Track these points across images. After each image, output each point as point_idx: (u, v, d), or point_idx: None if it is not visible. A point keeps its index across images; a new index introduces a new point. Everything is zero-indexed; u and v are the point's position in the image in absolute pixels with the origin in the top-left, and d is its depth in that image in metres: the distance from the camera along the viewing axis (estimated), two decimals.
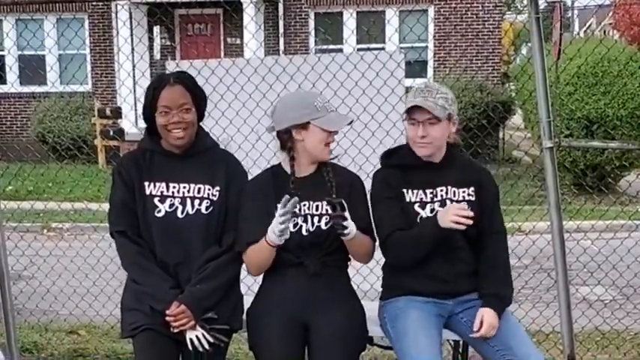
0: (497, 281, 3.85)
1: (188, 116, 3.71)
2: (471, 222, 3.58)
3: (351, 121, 3.83)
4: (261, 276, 3.89)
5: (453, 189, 3.87)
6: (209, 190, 3.77)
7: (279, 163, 3.88)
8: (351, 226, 3.54)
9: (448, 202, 3.83)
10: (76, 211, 10.93)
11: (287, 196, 3.49)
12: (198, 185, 3.77)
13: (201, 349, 3.67)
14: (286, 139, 3.76)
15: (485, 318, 3.74)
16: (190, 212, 3.74)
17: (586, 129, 13.18)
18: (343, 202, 3.51)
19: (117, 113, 17.87)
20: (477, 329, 3.74)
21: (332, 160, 3.86)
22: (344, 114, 3.85)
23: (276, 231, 3.51)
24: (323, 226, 3.70)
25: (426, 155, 3.83)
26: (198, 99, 3.78)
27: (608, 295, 7.41)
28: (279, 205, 3.49)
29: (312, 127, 3.68)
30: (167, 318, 3.63)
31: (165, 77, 3.75)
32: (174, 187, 3.76)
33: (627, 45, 16.21)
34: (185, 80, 3.74)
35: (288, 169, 3.79)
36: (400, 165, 3.90)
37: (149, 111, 3.72)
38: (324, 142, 3.71)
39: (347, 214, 3.51)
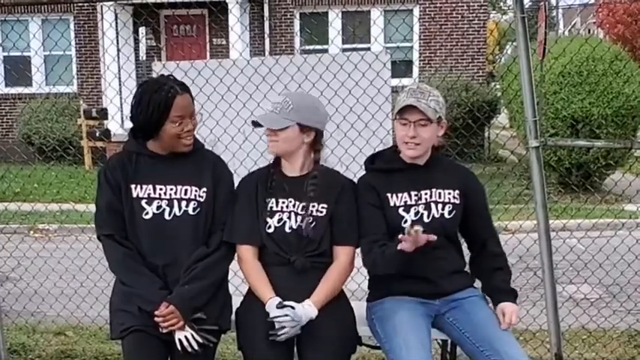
0: (506, 278, 3.97)
1: (195, 122, 3.80)
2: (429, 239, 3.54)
3: (256, 123, 3.91)
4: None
5: (438, 191, 3.89)
6: (196, 191, 3.79)
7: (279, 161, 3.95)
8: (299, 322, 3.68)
9: (433, 204, 3.86)
10: (63, 213, 10.90)
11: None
12: (185, 187, 3.78)
13: (190, 349, 3.68)
14: None
15: (508, 310, 3.81)
16: (178, 214, 3.75)
17: (571, 128, 13.23)
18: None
19: (103, 114, 17.84)
20: (506, 323, 3.78)
21: (325, 167, 3.94)
22: (271, 114, 3.84)
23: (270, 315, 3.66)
24: (304, 227, 3.76)
25: (414, 157, 3.85)
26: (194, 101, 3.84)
27: (594, 293, 7.45)
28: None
29: None
30: (156, 319, 3.63)
31: (169, 86, 3.70)
32: (161, 189, 3.77)
33: (612, 44, 16.25)
34: (187, 87, 3.78)
35: (283, 168, 3.90)
36: (384, 169, 3.92)
37: (159, 118, 3.69)
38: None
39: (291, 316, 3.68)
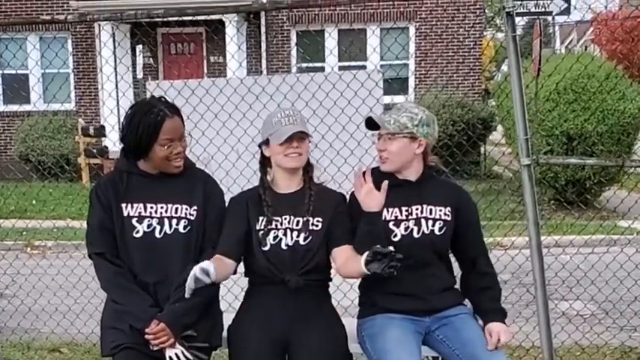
0: (494, 297, 3.99)
1: (185, 143, 3.81)
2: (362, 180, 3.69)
3: (304, 132, 3.83)
4: (243, 292, 3.95)
5: (430, 207, 3.92)
6: (187, 209, 3.81)
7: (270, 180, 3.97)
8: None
9: (423, 220, 3.89)
10: (58, 229, 10.91)
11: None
12: (176, 205, 3.81)
13: None
14: (261, 156, 3.95)
15: (494, 330, 3.85)
16: (168, 232, 3.78)
17: (566, 145, 13.26)
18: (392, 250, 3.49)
19: (100, 132, 17.87)
20: (492, 344, 3.81)
21: (319, 184, 3.97)
22: (300, 125, 3.82)
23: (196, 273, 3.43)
24: (301, 242, 3.77)
25: (386, 171, 3.90)
26: (184, 123, 3.87)
27: (587, 310, 7.46)
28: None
29: (270, 141, 3.83)
30: (147, 336, 3.65)
31: (159, 109, 3.71)
32: (151, 208, 3.79)
33: (607, 60, 16.28)
34: (178, 111, 3.79)
35: (272, 186, 3.91)
36: (377, 185, 3.95)
37: (149, 141, 3.72)
38: (282, 153, 3.80)
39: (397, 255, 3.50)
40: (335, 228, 3.83)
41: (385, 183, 3.70)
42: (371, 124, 3.93)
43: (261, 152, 3.94)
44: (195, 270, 3.36)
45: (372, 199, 3.71)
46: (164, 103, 3.77)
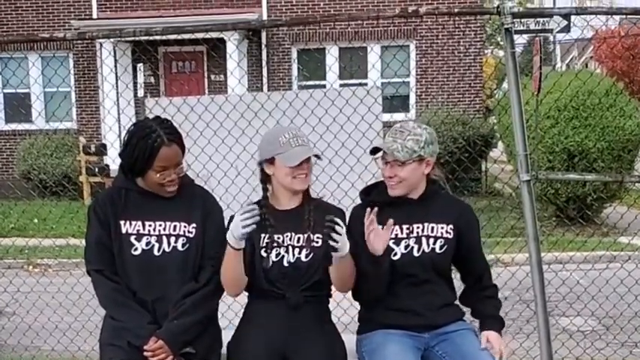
0: (496, 306, 4.03)
1: (180, 171, 3.78)
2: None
3: (317, 156, 3.83)
4: (242, 309, 3.93)
5: (431, 225, 3.90)
6: (185, 227, 3.80)
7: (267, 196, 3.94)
8: (343, 242, 3.56)
9: (424, 239, 3.88)
10: (59, 247, 10.92)
11: (252, 204, 3.59)
12: (174, 223, 3.80)
13: None
14: (262, 173, 3.89)
15: (492, 339, 3.89)
16: (167, 250, 3.77)
17: (567, 161, 13.27)
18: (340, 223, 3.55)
19: (101, 150, 17.90)
20: (497, 353, 3.83)
21: (318, 199, 3.95)
22: (310, 147, 3.83)
23: (235, 232, 3.55)
24: (303, 258, 3.75)
25: (397, 195, 3.89)
26: (184, 149, 3.83)
27: (587, 325, 7.45)
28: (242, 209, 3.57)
29: (277, 161, 3.78)
30: (145, 353, 3.65)
31: (157, 135, 3.68)
32: (150, 226, 3.79)
33: (608, 77, 16.30)
34: (177, 136, 3.75)
35: (273, 202, 3.88)
36: (378, 201, 3.93)
37: (143, 166, 3.71)
38: (291, 175, 3.77)
39: (343, 231, 3.56)
40: None
41: (390, 222, 3.68)
42: (376, 149, 3.91)
43: (262, 169, 3.89)
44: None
45: (379, 240, 3.68)
46: (165, 128, 3.73)
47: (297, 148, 3.76)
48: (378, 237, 3.68)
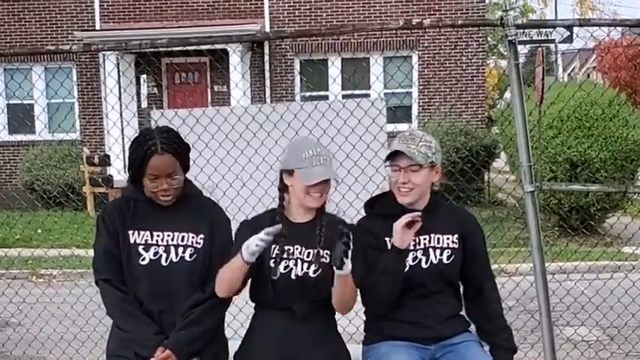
0: (501, 332, 3.99)
1: (175, 181, 3.77)
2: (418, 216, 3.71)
3: (335, 180, 3.81)
4: (248, 320, 3.93)
5: (437, 236, 3.90)
6: (193, 238, 3.82)
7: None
8: (347, 262, 3.53)
9: (431, 250, 3.88)
10: (64, 258, 10.94)
11: (278, 226, 3.58)
12: (182, 233, 3.82)
13: None
14: (281, 181, 3.87)
15: None
16: (174, 260, 3.79)
17: (570, 171, 13.27)
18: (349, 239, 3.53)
19: (104, 160, 17.94)
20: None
21: (331, 214, 3.93)
22: (331, 169, 3.79)
23: (250, 247, 3.55)
24: (311, 274, 3.75)
25: (409, 203, 3.86)
26: (185, 159, 3.83)
27: (592, 335, 7.46)
28: (266, 231, 3.55)
29: (296, 175, 3.76)
30: None
31: (152, 143, 3.70)
32: (158, 236, 3.81)
33: (610, 88, 16.33)
34: (172, 147, 3.74)
35: (287, 213, 3.87)
36: (383, 214, 3.94)
37: (137, 172, 3.75)
38: (305, 192, 3.75)
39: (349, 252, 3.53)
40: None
41: (419, 223, 3.73)
42: (395, 153, 3.87)
43: (281, 178, 3.87)
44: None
45: (407, 236, 3.72)
46: (163, 138, 3.74)
47: (317, 168, 3.74)
48: (408, 232, 3.72)
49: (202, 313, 3.77)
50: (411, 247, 3.85)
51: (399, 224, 3.72)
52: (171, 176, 3.74)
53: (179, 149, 3.78)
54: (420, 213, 3.75)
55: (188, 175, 3.96)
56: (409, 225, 3.73)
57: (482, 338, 4.03)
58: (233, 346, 3.99)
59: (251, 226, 3.85)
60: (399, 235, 3.72)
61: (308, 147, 3.81)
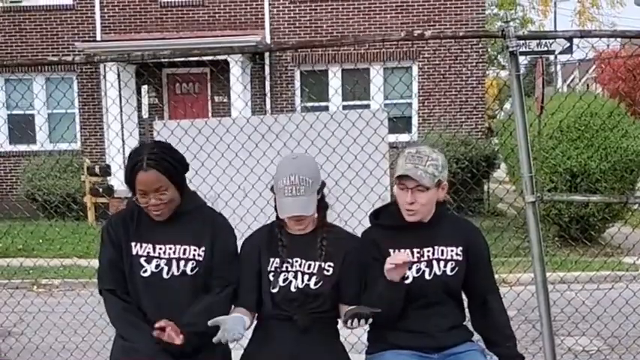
0: (507, 341, 3.99)
1: (165, 197, 3.76)
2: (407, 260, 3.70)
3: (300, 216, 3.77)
4: (251, 330, 3.94)
5: (441, 248, 3.91)
6: (195, 250, 3.83)
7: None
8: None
9: (434, 262, 3.88)
10: (65, 268, 10.95)
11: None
12: (184, 246, 3.83)
13: None
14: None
15: None
16: (176, 273, 3.80)
17: (570, 182, 13.29)
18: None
19: (106, 171, 17.96)
20: None
21: (333, 225, 3.96)
22: (302, 203, 3.72)
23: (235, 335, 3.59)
24: (312, 286, 3.77)
25: (415, 221, 3.87)
26: (175, 176, 3.79)
27: (593, 345, 7.46)
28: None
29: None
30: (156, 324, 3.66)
31: (139, 159, 3.71)
32: (160, 249, 3.83)
33: (610, 98, 16.37)
34: (159, 163, 3.72)
35: (285, 226, 3.88)
36: (388, 225, 3.95)
37: (130, 188, 3.78)
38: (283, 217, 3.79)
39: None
40: (343, 282, 3.82)
41: (407, 254, 3.76)
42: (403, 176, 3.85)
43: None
44: (238, 330, 3.54)
45: (399, 272, 3.71)
46: (151, 154, 3.73)
47: (288, 200, 3.72)
48: (399, 271, 3.70)
49: (210, 301, 3.78)
50: (415, 260, 3.86)
51: (388, 265, 3.69)
52: (159, 191, 3.73)
53: (167, 165, 3.75)
54: (409, 259, 3.74)
55: (191, 187, 3.99)
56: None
57: (489, 349, 4.03)
58: (235, 356, 4.01)
59: (252, 246, 3.92)
60: (391, 273, 3.71)
61: (285, 173, 3.77)
